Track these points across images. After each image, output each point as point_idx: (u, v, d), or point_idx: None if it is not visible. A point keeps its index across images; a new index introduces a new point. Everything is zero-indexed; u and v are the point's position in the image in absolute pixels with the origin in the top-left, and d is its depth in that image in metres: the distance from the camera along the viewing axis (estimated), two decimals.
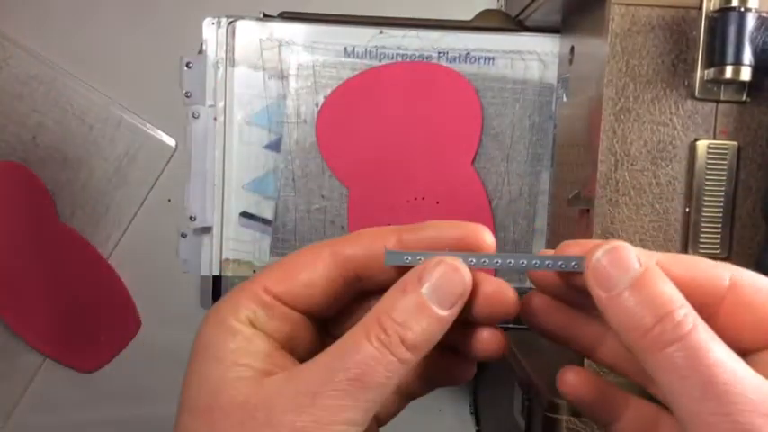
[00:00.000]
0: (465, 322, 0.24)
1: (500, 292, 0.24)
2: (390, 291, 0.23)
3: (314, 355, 0.23)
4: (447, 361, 0.27)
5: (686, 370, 0.20)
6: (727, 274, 0.23)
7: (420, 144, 0.57)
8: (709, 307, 0.22)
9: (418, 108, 0.57)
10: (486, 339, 0.25)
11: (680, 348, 0.20)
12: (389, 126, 0.57)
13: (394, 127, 0.57)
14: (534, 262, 0.23)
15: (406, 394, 0.27)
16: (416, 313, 0.22)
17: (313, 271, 0.24)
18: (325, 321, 0.27)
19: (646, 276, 0.21)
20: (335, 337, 0.23)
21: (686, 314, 0.21)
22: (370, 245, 0.25)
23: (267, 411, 0.21)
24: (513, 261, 0.23)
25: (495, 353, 0.25)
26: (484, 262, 0.23)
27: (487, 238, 0.24)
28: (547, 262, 0.23)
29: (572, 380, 0.25)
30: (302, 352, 0.25)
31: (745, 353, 0.22)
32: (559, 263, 0.23)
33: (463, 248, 0.24)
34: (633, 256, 0.22)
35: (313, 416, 0.21)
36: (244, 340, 0.23)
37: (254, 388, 0.22)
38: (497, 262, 0.23)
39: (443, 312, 0.22)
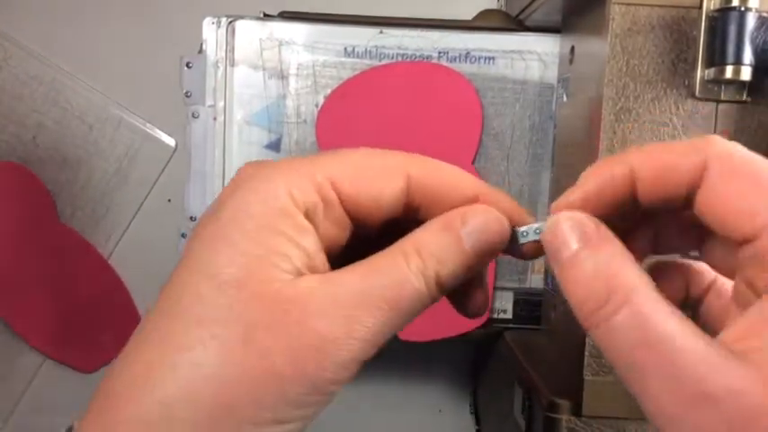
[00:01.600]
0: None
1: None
2: (431, 224, 0.22)
3: (341, 265, 0.22)
4: None
5: (610, 356, 0.20)
6: (700, 156, 0.20)
7: (420, 144, 0.57)
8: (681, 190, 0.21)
9: (418, 108, 0.57)
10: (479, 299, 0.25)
11: (598, 337, 0.20)
12: (389, 126, 0.57)
13: (394, 127, 0.57)
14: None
15: None
16: (452, 251, 0.22)
17: (388, 185, 0.22)
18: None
19: (575, 258, 0.21)
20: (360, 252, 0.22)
21: (598, 307, 0.20)
22: (452, 184, 0.23)
23: (300, 311, 0.20)
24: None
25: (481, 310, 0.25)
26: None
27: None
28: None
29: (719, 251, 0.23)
30: (333, 259, 0.23)
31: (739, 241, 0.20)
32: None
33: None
34: (569, 236, 0.21)
35: (344, 328, 0.20)
36: (295, 230, 0.21)
37: (288, 284, 0.21)
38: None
39: (476, 258, 0.22)
